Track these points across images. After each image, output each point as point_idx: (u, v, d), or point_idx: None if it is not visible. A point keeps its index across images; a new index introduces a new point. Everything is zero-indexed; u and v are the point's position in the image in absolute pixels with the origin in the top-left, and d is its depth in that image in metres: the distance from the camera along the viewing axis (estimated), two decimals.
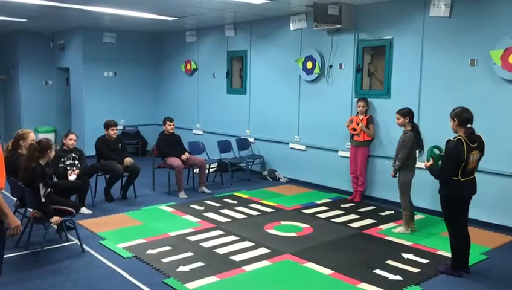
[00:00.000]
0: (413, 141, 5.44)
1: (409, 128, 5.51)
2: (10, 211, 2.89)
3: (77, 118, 10.98)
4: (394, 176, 5.62)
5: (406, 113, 5.50)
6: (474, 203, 6.10)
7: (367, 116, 6.99)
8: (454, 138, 4.27)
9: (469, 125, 4.24)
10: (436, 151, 4.52)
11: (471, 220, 5.94)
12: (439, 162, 4.43)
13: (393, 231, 5.69)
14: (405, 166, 5.50)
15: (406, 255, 4.89)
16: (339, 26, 7.12)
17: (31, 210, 5.00)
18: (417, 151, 5.58)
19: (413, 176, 5.61)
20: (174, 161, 7.41)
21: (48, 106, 11.80)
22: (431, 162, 4.47)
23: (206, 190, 7.68)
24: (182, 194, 7.40)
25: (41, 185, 4.69)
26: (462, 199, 4.39)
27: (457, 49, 6.12)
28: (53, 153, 4.91)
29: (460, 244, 4.43)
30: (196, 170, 7.98)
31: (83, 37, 10.50)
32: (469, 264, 4.53)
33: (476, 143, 4.24)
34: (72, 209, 4.98)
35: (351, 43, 7.35)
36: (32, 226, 5.05)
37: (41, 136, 10.66)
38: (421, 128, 5.91)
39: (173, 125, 7.77)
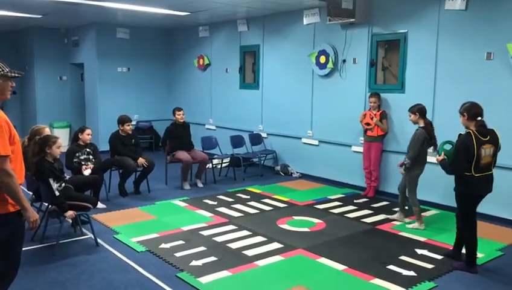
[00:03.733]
0: (423, 138, 5.36)
1: (422, 124, 5.45)
2: (29, 204, 2.95)
3: (91, 113, 11.08)
4: (405, 173, 5.55)
5: (416, 110, 5.45)
6: (490, 199, 6.02)
7: (380, 111, 6.94)
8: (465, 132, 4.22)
9: (479, 118, 4.16)
10: (448, 147, 4.41)
11: (486, 216, 5.92)
12: (452, 157, 4.35)
13: (407, 227, 5.65)
14: (414, 163, 5.44)
15: (419, 251, 4.85)
16: (353, 20, 7.07)
17: (46, 204, 5.07)
18: (430, 148, 5.48)
19: (421, 173, 5.54)
20: (183, 155, 7.46)
21: (63, 102, 11.92)
22: (442, 156, 4.35)
23: (199, 183, 7.72)
24: (186, 185, 7.53)
25: (51, 179, 4.73)
26: (476, 197, 4.30)
27: (473, 42, 6.03)
28: (55, 150, 4.84)
29: (475, 241, 4.37)
30: (209, 165, 8.04)
31: (96, 33, 10.57)
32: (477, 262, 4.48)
33: (488, 136, 4.14)
34: (88, 205, 5.03)
35: (364, 37, 7.29)
36: (47, 220, 5.11)
37: (56, 131, 10.81)
38: (436, 123, 5.87)
39: (182, 114, 7.80)
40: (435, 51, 6.43)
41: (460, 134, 4.23)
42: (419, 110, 5.44)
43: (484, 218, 5.94)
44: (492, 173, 4.31)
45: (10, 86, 2.96)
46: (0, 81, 2.88)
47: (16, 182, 2.79)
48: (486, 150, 4.13)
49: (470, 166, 4.10)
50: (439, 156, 4.42)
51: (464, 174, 4.16)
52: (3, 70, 2.88)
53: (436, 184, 6.42)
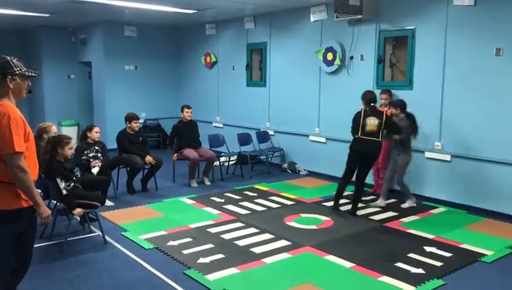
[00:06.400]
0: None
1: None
2: (42, 200, 2.98)
3: (99, 111, 11.13)
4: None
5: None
6: (500, 196, 6.00)
7: (390, 108, 6.88)
8: None
9: (372, 104, 5.85)
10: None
11: (496, 213, 5.89)
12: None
13: (371, 204, 6.41)
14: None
15: (428, 249, 4.82)
16: (360, 16, 7.03)
17: (55, 202, 5.09)
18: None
19: (410, 159, 6.30)
20: (191, 152, 7.47)
21: (71, 100, 11.98)
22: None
23: (206, 181, 7.75)
24: (193, 183, 7.55)
25: (58, 179, 4.75)
26: (357, 153, 5.87)
27: (482, 38, 5.97)
28: (67, 150, 4.86)
29: (342, 190, 6.07)
30: (216, 163, 8.04)
31: (104, 31, 10.61)
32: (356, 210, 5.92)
33: (375, 113, 5.80)
34: (96, 203, 5.04)
35: (372, 33, 7.24)
36: (56, 217, 5.14)
37: (64, 129, 10.87)
38: (444, 119, 5.90)
39: (190, 112, 7.81)
40: (443, 47, 6.37)
41: (358, 112, 5.90)
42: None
43: (494, 215, 5.91)
44: (376, 140, 5.75)
45: (27, 85, 3.00)
46: (18, 80, 2.93)
47: (29, 178, 2.83)
48: (371, 120, 5.75)
49: (357, 130, 5.79)
50: None
51: (354, 137, 5.87)
52: (21, 70, 2.92)
53: (447, 182, 6.38)
